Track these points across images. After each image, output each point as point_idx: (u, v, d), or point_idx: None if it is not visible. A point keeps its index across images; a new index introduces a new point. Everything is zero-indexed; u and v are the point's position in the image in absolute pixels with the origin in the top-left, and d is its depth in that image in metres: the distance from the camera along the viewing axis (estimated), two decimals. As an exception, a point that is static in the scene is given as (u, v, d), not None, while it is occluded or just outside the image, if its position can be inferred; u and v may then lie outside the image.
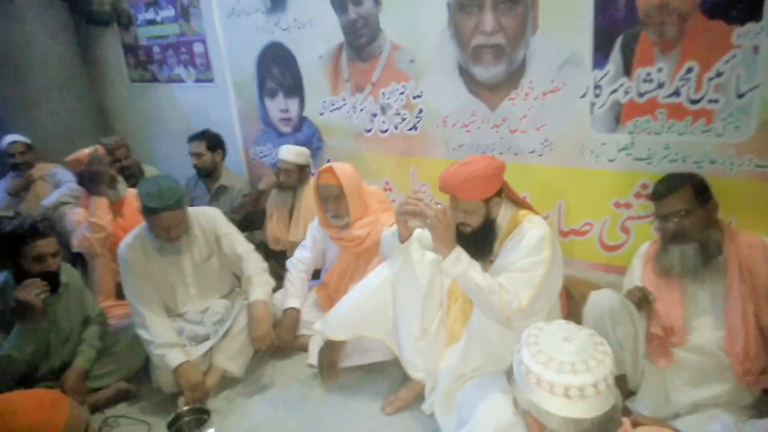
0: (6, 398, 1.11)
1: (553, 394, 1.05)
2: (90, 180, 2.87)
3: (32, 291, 2.06)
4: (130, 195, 2.99)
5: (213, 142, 3.32)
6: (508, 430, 1.73)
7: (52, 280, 2.17)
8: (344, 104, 3.04)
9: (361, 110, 2.98)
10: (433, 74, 2.65)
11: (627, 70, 2.12)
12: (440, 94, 2.66)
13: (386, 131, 2.93)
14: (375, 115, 2.93)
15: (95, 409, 2.32)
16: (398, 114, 2.84)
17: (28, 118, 3.87)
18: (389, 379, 2.37)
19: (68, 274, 2.36)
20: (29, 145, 3.70)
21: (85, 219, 2.88)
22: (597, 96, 2.22)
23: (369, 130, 2.99)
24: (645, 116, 2.13)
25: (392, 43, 2.73)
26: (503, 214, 1.99)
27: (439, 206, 1.87)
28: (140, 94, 4.23)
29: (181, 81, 3.89)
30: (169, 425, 1.94)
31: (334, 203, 2.47)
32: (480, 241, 1.98)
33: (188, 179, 3.46)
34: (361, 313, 2.15)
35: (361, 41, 2.84)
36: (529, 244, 1.88)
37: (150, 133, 4.34)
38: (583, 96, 2.25)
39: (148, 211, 2.25)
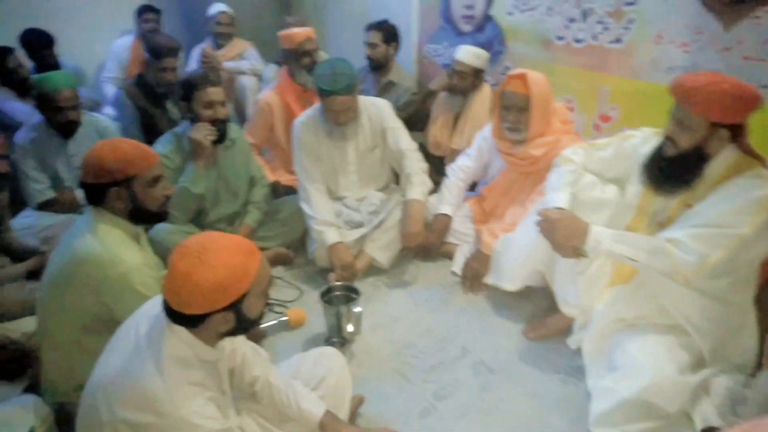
0: (210, 235, 1.18)
1: None
2: (294, 61, 2.90)
3: (202, 131, 2.26)
4: None
5: (389, 33, 3.22)
6: (668, 389, 1.57)
7: (221, 128, 2.33)
8: (539, 5, 2.73)
9: (558, 13, 2.65)
10: (660, -23, 2.24)
11: None
12: (662, 3, 2.26)
13: (582, 41, 2.60)
14: (573, 21, 2.60)
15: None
16: (601, 22, 2.49)
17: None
18: (535, 305, 2.28)
19: (236, 132, 2.53)
20: (233, 17, 3.88)
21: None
22: None
23: (561, 38, 2.68)
24: None
25: (617, -65, 2.34)
26: (725, 156, 1.65)
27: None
28: (325, -25, 4.20)
29: (368, -35, 3.78)
30: (322, 294, 2.04)
31: (516, 114, 2.26)
32: (678, 170, 1.69)
33: (358, 70, 3.42)
34: (532, 260, 2.10)
35: (575, -72, 2.47)
36: (744, 198, 1.56)
37: (327, 17, 4.35)
38: None
39: (322, 92, 2.27)
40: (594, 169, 2.00)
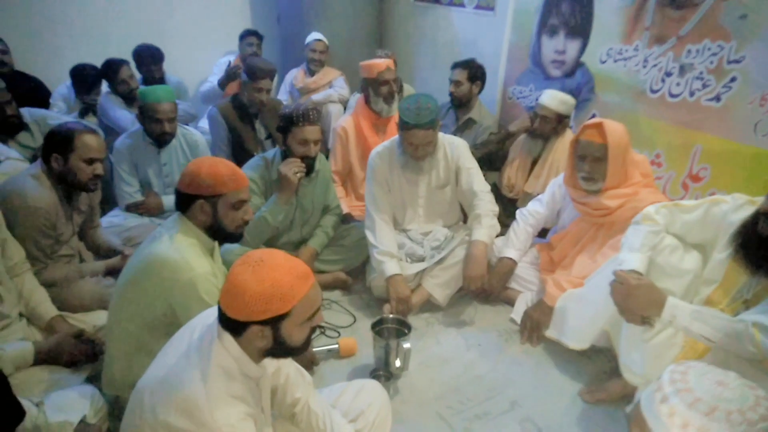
0: (273, 253, 1.23)
1: None
2: (372, 89, 2.98)
3: (292, 168, 2.33)
4: (397, 115, 3.06)
5: (475, 73, 3.24)
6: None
7: (309, 164, 2.40)
8: (635, 55, 2.64)
9: (654, 66, 2.55)
10: (767, 36, 2.10)
11: None
12: (769, 63, 2.11)
13: (678, 96, 2.47)
14: (669, 75, 2.49)
15: (315, 288, 2.58)
16: (700, 78, 2.36)
17: (324, 18, 4.23)
18: (595, 366, 2.15)
19: (322, 163, 2.60)
20: (327, 46, 4.06)
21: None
22: None
23: (656, 91, 2.57)
24: None
25: (722, -10, 2.23)
26: None
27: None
28: (420, 13, 4.31)
29: (461, 5, 3.84)
30: (373, 325, 2.03)
31: (592, 164, 2.17)
32: None
33: (441, 106, 3.47)
34: (601, 319, 2.00)
35: (681, -16, 2.38)
36: None
37: (417, 53, 4.45)
38: None
39: (403, 125, 2.30)
40: (677, 231, 1.87)
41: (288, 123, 2.34)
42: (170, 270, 1.57)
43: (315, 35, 4.05)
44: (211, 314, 1.28)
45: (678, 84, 2.46)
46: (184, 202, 1.66)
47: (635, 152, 2.33)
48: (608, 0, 2.74)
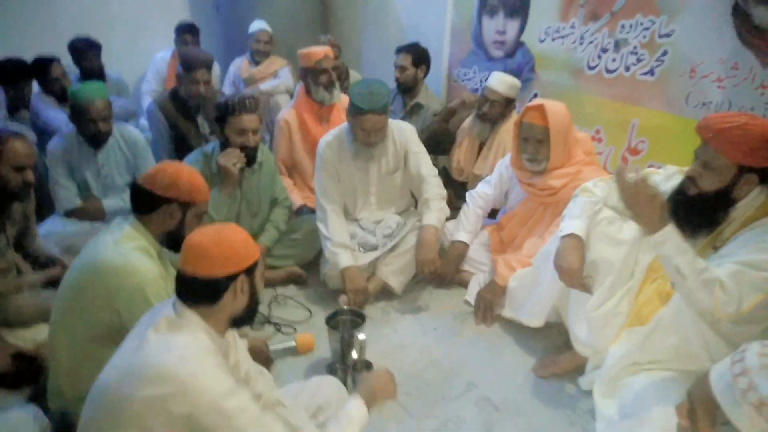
0: (223, 225, 1.27)
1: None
2: (311, 78, 2.93)
3: (231, 159, 2.27)
4: (340, 102, 3.01)
5: (419, 57, 3.22)
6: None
7: (250, 154, 2.35)
8: (571, 33, 2.68)
9: (590, 43, 2.60)
10: (695, 10, 2.17)
11: None
12: (697, 36, 2.18)
13: (614, 71, 2.53)
14: (605, 51, 2.54)
15: (269, 284, 2.55)
16: (635, 53, 2.42)
17: (266, 7, 4.10)
18: (547, 341, 2.20)
19: (265, 154, 2.55)
20: (271, 35, 3.95)
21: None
22: None
23: (593, 68, 2.62)
24: None
25: (651, -35, 2.28)
26: (751, 198, 1.58)
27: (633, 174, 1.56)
28: (362, -5, 4.25)
29: (403, -13, 3.80)
30: (328, 319, 2.02)
31: (535, 146, 2.22)
32: (701, 212, 1.63)
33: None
34: (553, 295, 2.03)
35: (612, -41, 2.42)
36: None
37: (362, 37, 4.39)
38: None
39: (356, 111, 2.27)
40: (615, 204, 1.93)
41: (224, 112, 2.27)
42: (115, 276, 1.51)
43: (258, 24, 3.93)
44: (161, 308, 1.24)
45: (614, 60, 2.51)
46: (150, 203, 1.60)
47: (577, 130, 2.39)
48: (544, -22, 2.76)
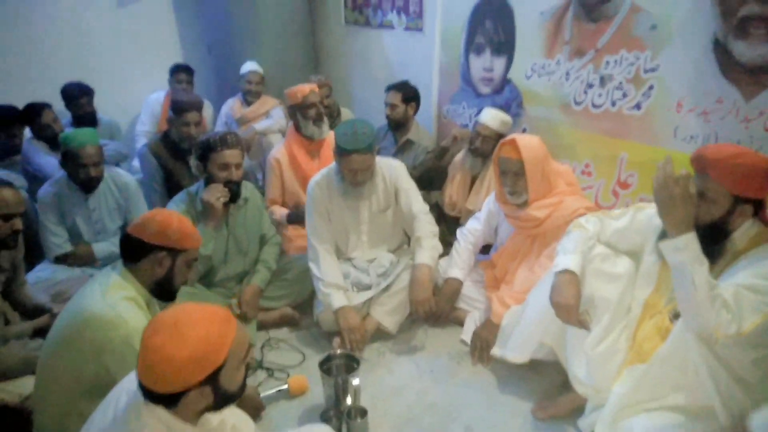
0: (184, 308, 1.16)
1: None
2: (300, 114, 2.96)
3: (214, 194, 2.28)
4: (330, 138, 3.05)
5: (409, 94, 3.27)
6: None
7: (234, 189, 2.36)
8: (557, 69, 2.72)
9: (576, 78, 2.63)
10: (678, 46, 2.20)
11: None
12: (681, 71, 2.21)
13: (600, 106, 2.56)
14: (591, 86, 2.57)
15: (261, 326, 2.51)
16: (620, 88, 2.45)
17: (256, 46, 4.16)
18: (546, 380, 2.16)
19: (250, 191, 2.55)
20: (263, 76, 4.00)
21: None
22: None
23: (579, 103, 2.65)
24: None
25: (633, 3, 2.32)
26: (745, 229, 1.58)
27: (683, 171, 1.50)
28: (352, 36, 4.33)
29: (391, 27, 3.87)
30: (321, 363, 1.98)
31: (513, 179, 2.26)
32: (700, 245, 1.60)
33: (378, 128, 3.47)
34: (539, 331, 2.00)
35: (595, -1, 2.48)
36: None
37: (353, 76, 4.46)
38: None
39: (341, 151, 2.28)
40: (607, 239, 1.94)
41: (206, 150, 2.29)
42: (103, 329, 1.49)
43: (249, 66, 3.99)
44: (133, 380, 1.20)
45: (600, 95, 2.54)
46: (139, 251, 1.60)
47: (557, 163, 2.42)
48: (528, 16, 2.81)
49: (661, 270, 1.79)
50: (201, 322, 1.11)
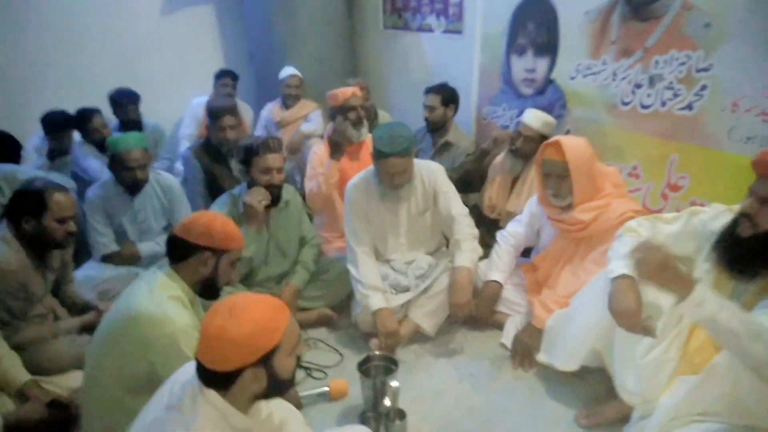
0: (242, 294, 1.24)
1: None
2: (340, 117, 2.96)
3: (256, 197, 2.30)
4: (369, 140, 3.04)
5: (448, 97, 3.24)
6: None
7: (275, 192, 2.38)
8: (603, 70, 2.65)
9: (623, 79, 2.55)
10: (734, 44, 2.11)
11: None
12: (738, 70, 2.11)
13: (649, 107, 2.47)
14: (639, 87, 2.49)
15: (299, 326, 2.51)
16: (671, 88, 2.36)
17: (297, 52, 4.21)
18: (590, 388, 2.09)
19: (291, 194, 2.57)
20: (302, 80, 4.05)
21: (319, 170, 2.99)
22: None
23: (627, 103, 2.57)
24: None
25: (684, 1, 2.24)
26: None
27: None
28: (390, 40, 4.34)
29: (430, 30, 3.86)
30: (360, 364, 1.97)
31: (557, 181, 2.20)
32: (758, 252, 1.53)
33: (417, 130, 3.46)
34: (590, 338, 1.93)
35: (643, -4, 2.40)
36: None
37: (391, 79, 4.46)
38: None
39: (379, 155, 2.28)
40: (661, 243, 1.85)
41: (249, 154, 2.32)
42: (150, 326, 1.52)
43: (289, 70, 4.04)
44: (189, 370, 1.22)
45: (649, 95, 2.46)
46: (183, 251, 1.64)
47: (604, 164, 2.34)
48: (573, 17, 2.75)
49: (715, 278, 1.71)
50: (256, 307, 1.15)
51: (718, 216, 1.72)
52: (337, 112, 2.96)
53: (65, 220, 1.98)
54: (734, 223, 1.60)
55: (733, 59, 2.12)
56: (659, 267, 1.46)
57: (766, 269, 1.54)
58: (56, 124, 3.26)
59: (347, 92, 2.95)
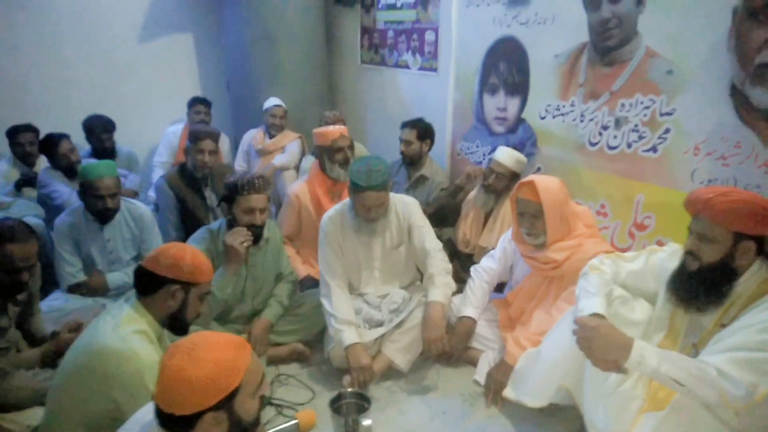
0: (201, 334, 1.19)
1: None
2: (327, 156, 2.98)
3: (238, 238, 2.26)
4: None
5: (423, 131, 3.31)
6: None
7: (257, 232, 2.35)
8: (572, 111, 2.75)
9: (591, 120, 2.65)
10: (694, 91, 2.22)
11: None
12: (698, 115, 2.22)
13: (616, 148, 2.57)
14: (606, 128, 2.59)
15: (271, 362, 2.48)
16: (636, 131, 2.46)
17: (277, 85, 4.25)
18: (561, 425, 2.10)
19: (271, 230, 2.54)
20: (286, 111, 4.07)
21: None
22: None
23: (595, 144, 2.66)
24: None
25: (648, 48, 2.36)
26: (753, 272, 1.58)
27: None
28: (367, 75, 4.42)
29: (406, 67, 3.96)
30: (332, 402, 1.95)
31: (530, 220, 2.25)
32: (704, 285, 1.61)
33: (392, 163, 3.51)
34: (557, 375, 1.95)
35: (609, 43, 2.51)
36: None
37: (367, 113, 4.53)
38: None
39: (355, 188, 2.29)
40: (623, 281, 1.91)
41: (232, 192, 2.29)
42: (114, 362, 1.48)
43: (273, 101, 4.06)
44: (148, 412, 1.19)
45: (615, 137, 2.55)
46: (152, 283, 1.60)
47: (576, 204, 2.40)
48: (543, 59, 2.86)
49: (672, 314, 1.77)
50: (217, 346, 1.12)
51: (674, 255, 1.80)
52: (325, 152, 2.99)
53: (16, 271, 1.86)
54: (683, 262, 1.70)
55: (693, 104, 2.23)
56: (589, 336, 1.60)
57: (715, 302, 1.62)
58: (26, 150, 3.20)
59: (335, 133, 2.97)
